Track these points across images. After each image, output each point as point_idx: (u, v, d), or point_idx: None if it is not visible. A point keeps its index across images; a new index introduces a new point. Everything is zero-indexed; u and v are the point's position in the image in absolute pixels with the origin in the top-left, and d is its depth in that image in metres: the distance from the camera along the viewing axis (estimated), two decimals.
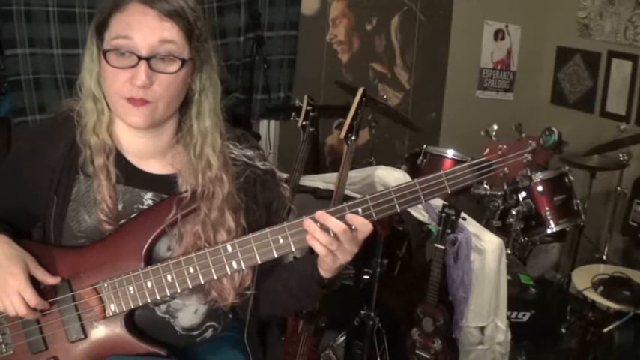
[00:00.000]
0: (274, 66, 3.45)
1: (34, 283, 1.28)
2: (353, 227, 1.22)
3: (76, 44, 2.93)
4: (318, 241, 1.21)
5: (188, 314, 1.38)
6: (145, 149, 1.38)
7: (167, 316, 1.37)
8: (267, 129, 3.55)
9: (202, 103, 1.35)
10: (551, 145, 1.28)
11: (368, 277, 2.71)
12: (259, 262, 1.26)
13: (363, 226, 1.23)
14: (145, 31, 1.25)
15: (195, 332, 1.41)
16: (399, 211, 1.25)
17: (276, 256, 1.25)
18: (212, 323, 1.43)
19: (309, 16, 3.58)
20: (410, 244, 2.97)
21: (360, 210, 1.23)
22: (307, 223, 1.22)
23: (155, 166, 1.39)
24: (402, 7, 3.83)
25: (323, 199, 2.68)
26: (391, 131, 3.81)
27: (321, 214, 1.21)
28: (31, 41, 2.86)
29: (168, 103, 1.30)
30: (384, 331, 2.62)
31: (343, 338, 2.77)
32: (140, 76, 1.24)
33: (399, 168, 2.95)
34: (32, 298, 1.26)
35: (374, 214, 1.23)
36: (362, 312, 2.63)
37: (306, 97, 2.72)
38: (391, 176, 2.63)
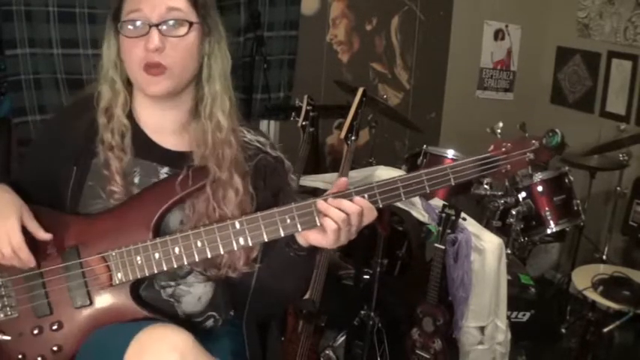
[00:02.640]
0: (274, 66, 3.45)
1: (35, 244, 1.31)
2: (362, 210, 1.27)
3: (76, 44, 2.93)
4: (331, 218, 1.25)
5: (192, 301, 1.43)
6: (165, 124, 1.44)
7: (172, 299, 1.41)
8: (267, 129, 3.55)
9: (212, 66, 1.42)
10: (554, 145, 1.34)
11: (368, 277, 2.72)
12: (266, 240, 1.30)
13: (370, 211, 1.28)
14: (152, 2, 1.33)
15: (197, 320, 1.45)
16: (404, 199, 1.30)
17: (282, 235, 1.29)
18: (213, 313, 1.47)
19: (309, 16, 3.58)
20: (410, 244, 2.97)
21: (366, 196, 1.28)
22: (321, 203, 1.26)
23: (173, 142, 1.44)
24: (402, 7, 3.83)
25: None
26: (391, 131, 3.81)
27: (333, 199, 1.26)
28: (31, 41, 2.86)
29: (182, 67, 1.37)
30: (384, 331, 2.62)
31: (343, 338, 2.77)
32: (153, 40, 1.31)
33: (399, 168, 2.95)
34: (17, 240, 1.28)
35: (379, 201, 1.28)
36: (362, 312, 2.63)
37: (306, 97, 2.72)
38: (391, 176, 2.62)
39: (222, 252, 1.31)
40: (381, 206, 1.29)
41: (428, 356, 2.51)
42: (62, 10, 2.89)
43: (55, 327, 1.33)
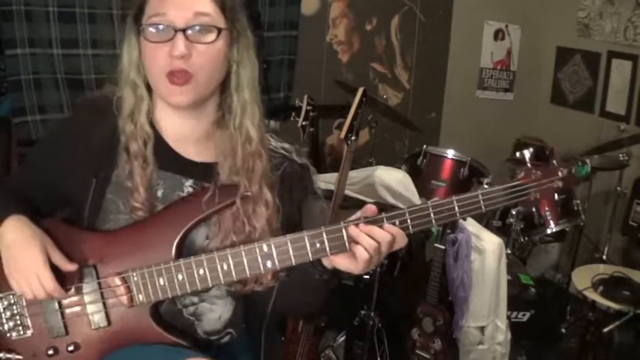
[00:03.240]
0: (274, 66, 3.45)
1: (54, 267, 1.26)
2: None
3: (76, 44, 2.93)
4: (362, 245, 1.22)
5: (212, 320, 1.40)
6: (187, 133, 1.37)
7: (192, 318, 1.38)
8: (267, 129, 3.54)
9: (240, 74, 1.35)
10: (583, 175, 1.36)
11: (368, 277, 2.71)
12: (294, 264, 1.26)
13: (401, 238, 1.24)
14: (178, 6, 1.25)
15: (214, 337, 1.42)
16: (434, 225, 1.28)
17: (311, 259, 1.25)
18: (230, 330, 1.44)
19: (309, 16, 3.58)
20: (410, 245, 2.96)
21: (397, 222, 1.24)
22: (352, 229, 1.22)
23: (197, 153, 1.38)
24: (402, 7, 3.83)
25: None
26: (391, 131, 3.81)
27: (364, 226, 1.22)
28: (31, 41, 2.85)
29: (208, 75, 1.29)
30: (384, 331, 2.62)
31: (343, 338, 2.77)
32: (178, 46, 1.23)
33: (399, 168, 2.95)
34: (49, 282, 1.24)
35: (410, 227, 1.25)
36: (362, 312, 2.63)
37: (306, 97, 2.72)
38: (391, 176, 2.63)
39: (248, 275, 1.27)
40: (411, 232, 1.25)
41: (428, 356, 2.51)
42: (62, 10, 2.88)
43: (71, 348, 1.29)
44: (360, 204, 2.49)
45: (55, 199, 1.41)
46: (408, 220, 1.24)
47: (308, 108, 2.68)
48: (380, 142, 3.51)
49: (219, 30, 1.27)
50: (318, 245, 1.23)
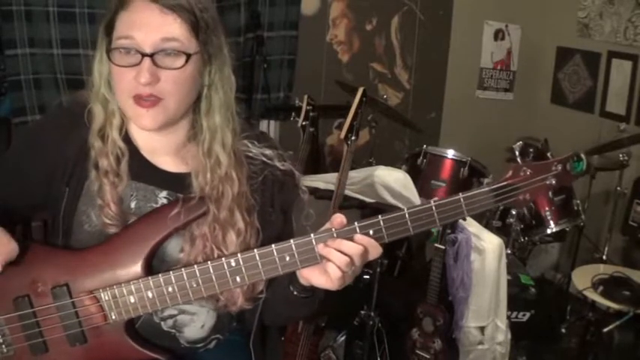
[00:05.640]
0: (274, 66, 3.45)
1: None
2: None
3: (76, 44, 2.93)
4: (335, 263, 1.17)
5: (195, 329, 1.37)
6: (160, 147, 1.35)
7: (173, 330, 1.36)
8: (267, 129, 3.55)
9: (212, 98, 1.30)
10: (579, 172, 1.25)
11: (368, 277, 2.71)
12: (264, 278, 1.23)
13: (374, 249, 1.19)
14: (146, 28, 1.21)
15: (200, 345, 1.40)
16: (412, 233, 1.19)
17: (281, 273, 1.21)
18: (217, 336, 1.42)
19: (309, 16, 3.58)
20: (410, 245, 2.97)
21: (371, 231, 1.18)
22: (321, 248, 1.18)
23: (170, 164, 1.35)
24: (402, 7, 3.83)
25: (323, 199, 2.69)
26: (391, 131, 3.81)
27: (332, 241, 1.18)
28: (31, 41, 2.86)
29: (178, 100, 1.26)
30: (384, 331, 2.62)
31: (343, 338, 2.77)
32: (144, 74, 1.20)
33: (399, 168, 2.95)
34: None
35: (386, 236, 1.19)
36: (362, 312, 2.63)
37: (306, 97, 2.73)
38: (391, 176, 2.63)
39: (218, 291, 1.25)
40: (387, 241, 1.18)
41: (428, 356, 2.51)
42: (62, 10, 2.89)
43: None
44: (360, 204, 2.50)
45: (27, 206, 1.39)
46: (383, 230, 1.18)
47: (308, 108, 2.69)
48: (380, 142, 3.51)
49: (189, 55, 1.23)
50: (287, 259, 1.20)
